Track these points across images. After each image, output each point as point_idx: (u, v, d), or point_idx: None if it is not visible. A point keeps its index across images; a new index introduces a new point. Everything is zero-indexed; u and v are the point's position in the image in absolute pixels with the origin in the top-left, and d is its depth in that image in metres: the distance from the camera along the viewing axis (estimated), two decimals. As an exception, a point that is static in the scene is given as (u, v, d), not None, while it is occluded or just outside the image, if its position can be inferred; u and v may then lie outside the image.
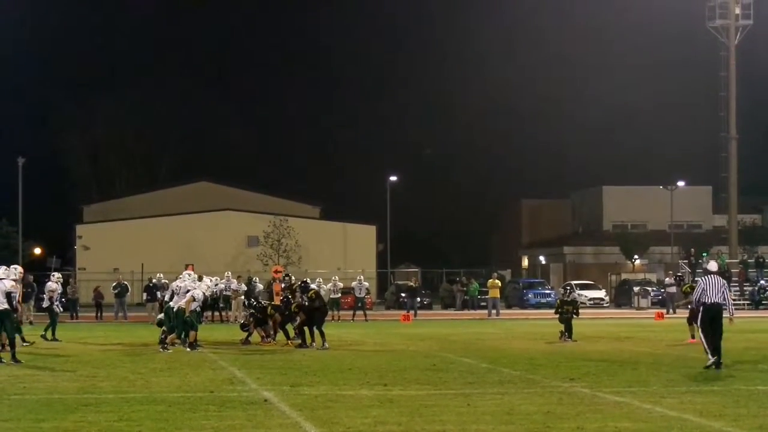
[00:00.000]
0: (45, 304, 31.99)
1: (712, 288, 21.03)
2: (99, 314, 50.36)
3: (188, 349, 26.18)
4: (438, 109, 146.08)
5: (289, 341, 28.00)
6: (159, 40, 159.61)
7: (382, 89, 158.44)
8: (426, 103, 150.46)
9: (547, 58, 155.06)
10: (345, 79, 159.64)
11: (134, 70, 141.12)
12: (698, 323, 21.36)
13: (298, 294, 28.86)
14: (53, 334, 30.87)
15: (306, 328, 27.46)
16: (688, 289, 30.50)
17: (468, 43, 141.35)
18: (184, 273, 29.41)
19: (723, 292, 21.19)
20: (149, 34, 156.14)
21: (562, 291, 32.09)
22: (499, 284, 55.08)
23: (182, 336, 26.94)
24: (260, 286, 44.84)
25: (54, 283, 31.99)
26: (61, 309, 33.97)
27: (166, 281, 47.11)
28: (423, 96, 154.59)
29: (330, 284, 48.62)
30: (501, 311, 53.48)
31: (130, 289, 51.66)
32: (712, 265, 22.29)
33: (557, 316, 30.41)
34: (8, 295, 22.99)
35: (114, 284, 50.58)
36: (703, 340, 21.08)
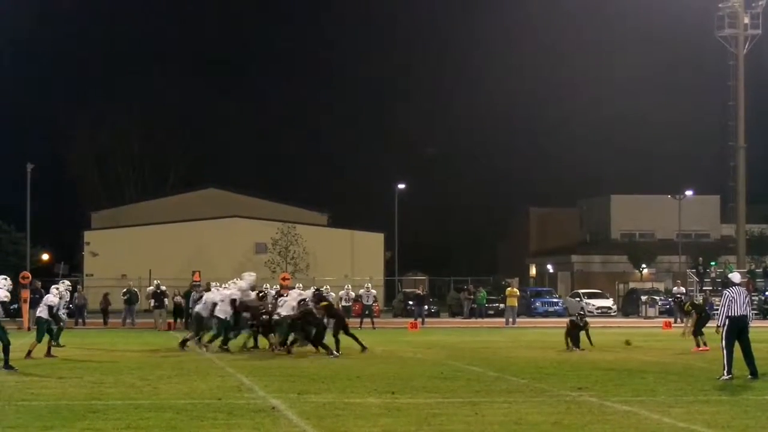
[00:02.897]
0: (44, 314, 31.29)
1: (738, 299, 20.80)
2: (105, 320, 50.46)
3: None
4: (446, 118, 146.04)
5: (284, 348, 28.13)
6: (163, 44, 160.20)
7: (390, 97, 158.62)
8: (435, 112, 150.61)
9: (555, 66, 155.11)
10: (355, 87, 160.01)
11: (141, 75, 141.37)
12: (723, 335, 20.70)
13: (311, 303, 28.71)
14: (57, 339, 30.77)
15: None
16: (689, 308, 30.47)
17: (477, 51, 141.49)
18: (229, 282, 29.99)
19: (748, 303, 21.04)
20: (153, 39, 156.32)
21: (575, 317, 31.67)
22: (518, 293, 54.95)
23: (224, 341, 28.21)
24: (272, 292, 44.66)
25: (54, 297, 31.39)
26: (66, 316, 33.64)
27: (164, 288, 47.36)
28: (432, 104, 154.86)
29: (343, 292, 48.70)
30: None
31: (139, 296, 51.73)
32: (736, 277, 21.90)
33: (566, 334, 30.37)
34: (2, 304, 23.07)
35: (123, 291, 50.61)
36: (725, 353, 20.57)
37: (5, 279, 24.53)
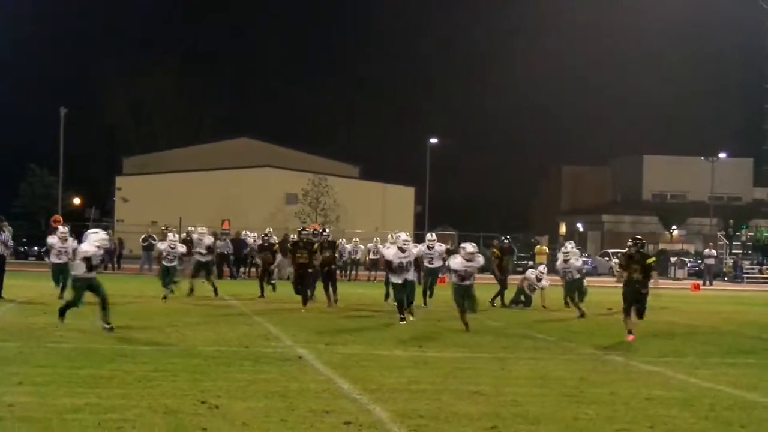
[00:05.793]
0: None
1: None
2: (118, 265, 50.63)
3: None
4: (483, 72, 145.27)
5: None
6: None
7: (423, 52, 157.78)
8: (472, 66, 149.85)
9: (589, 24, 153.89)
10: (392, 38, 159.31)
11: (176, 25, 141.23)
12: None
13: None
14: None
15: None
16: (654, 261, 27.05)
17: (509, 10, 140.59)
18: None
19: None
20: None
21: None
22: (547, 251, 55.02)
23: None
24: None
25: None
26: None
27: (196, 236, 47.02)
28: (465, 60, 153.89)
29: (371, 244, 48.65)
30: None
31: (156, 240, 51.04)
32: None
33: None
34: None
35: (143, 236, 49.88)
36: None
37: None
